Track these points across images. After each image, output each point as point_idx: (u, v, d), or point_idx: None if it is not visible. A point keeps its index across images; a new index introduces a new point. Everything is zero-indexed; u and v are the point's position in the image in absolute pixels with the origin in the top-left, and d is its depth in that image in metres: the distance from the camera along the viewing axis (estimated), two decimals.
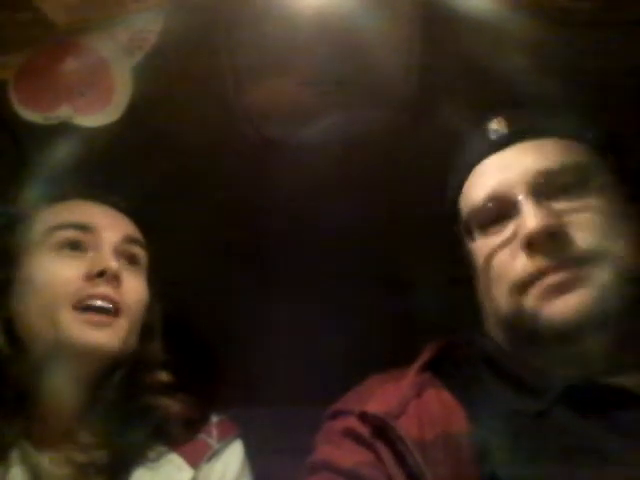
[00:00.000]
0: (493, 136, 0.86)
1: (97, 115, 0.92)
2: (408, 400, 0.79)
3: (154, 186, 1.03)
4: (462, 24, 0.90)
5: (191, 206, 1.12)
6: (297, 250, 1.18)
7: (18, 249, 0.89)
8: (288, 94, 1.00)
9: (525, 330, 0.78)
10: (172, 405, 0.89)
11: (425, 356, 0.85)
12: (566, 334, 0.74)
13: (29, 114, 0.93)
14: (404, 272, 1.16)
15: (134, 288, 0.89)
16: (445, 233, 1.06)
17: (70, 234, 0.88)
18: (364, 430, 0.78)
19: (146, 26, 0.89)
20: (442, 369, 0.84)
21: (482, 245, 0.84)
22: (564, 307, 0.74)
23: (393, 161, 1.09)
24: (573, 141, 0.83)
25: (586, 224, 0.77)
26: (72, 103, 0.92)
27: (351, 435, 0.79)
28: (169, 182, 1.07)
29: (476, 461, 0.71)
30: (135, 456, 0.85)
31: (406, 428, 0.75)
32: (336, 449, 0.79)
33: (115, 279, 0.86)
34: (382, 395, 0.81)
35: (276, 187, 1.09)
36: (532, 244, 0.77)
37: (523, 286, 0.78)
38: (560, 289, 0.75)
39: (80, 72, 0.92)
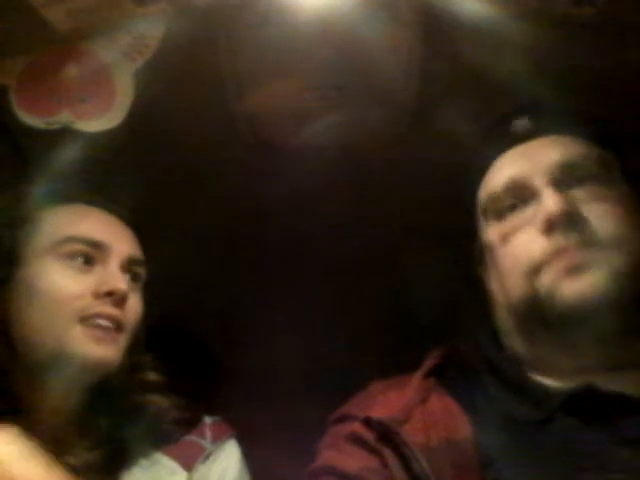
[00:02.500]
0: (518, 129, 0.87)
1: (98, 120, 0.92)
2: (413, 406, 0.79)
3: (154, 189, 1.03)
4: (463, 29, 0.90)
5: (192, 208, 1.13)
6: (297, 251, 1.18)
7: (21, 250, 0.88)
8: (289, 98, 1.00)
9: (537, 313, 0.79)
10: (162, 401, 0.90)
11: (429, 362, 0.86)
12: (579, 316, 0.75)
13: (30, 119, 0.92)
14: (404, 272, 1.17)
15: (135, 307, 0.90)
16: (445, 233, 1.08)
17: (82, 248, 0.88)
18: (369, 435, 0.79)
19: (148, 32, 0.89)
20: (446, 375, 0.85)
21: (498, 230, 0.84)
22: (579, 287, 0.75)
23: (393, 163, 1.09)
24: (593, 143, 0.85)
25: (604, 212, 0.79)
26: (73, 108, 0.92)
27: (356, 440, 0.79)
28: (170, 185, 1.07)
29: (480, 467, 0.72)
30: (128, 458, 0.86)
31: (411, 434, 0.76)
32: (341, 454, 0.80)
33: (122, 300, 0.87)
34: (387, 401, 0.82)
35: (276, 190, 1.09)
36: (551, 226, 0.78)
37: (539, 267, 0.78)
38: (576, 270, 0.76)
39: (81, 77, 0.92)
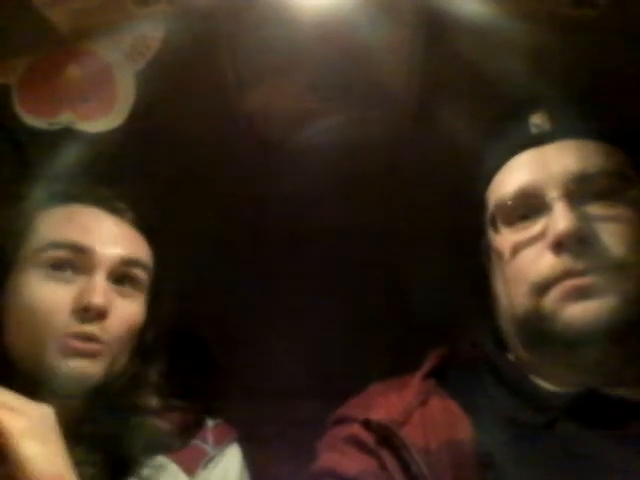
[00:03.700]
0: (534, 130, 0.85)
1: (100, 121, 0.92)
2: (413, 408, 0.79)
3: (154, 189, 1.03)
4: (465, 30, 0.90)
5: (191, 207, 1.13)
6: (297, 251, 1.18)
7: (15, 256, 0.85)
8: (289, 98, 1.00)
9: (540, 331, 0.78)
10: (162, 425, 0.88)
11: (429, 364, 0.86)
12: (581, 339, 0.75)
13: (32, 119, 0.92)
14: (405, 272, 1.17)
15: (124, 316, 0.85)
16: (446, 233, 1.08)
17: (63, 254, 0.84)
18: (368, 437, 0.79)
19: (149, 32, 0.89)
20: (446, 376, 0.85)
21: (507, 239, 0.83)
22: (583, 312, 0.74)
23: (394, 164, 1.09)
24: (612, 147, 0.82)
25: (617, 233, 0.77)
26: (75, 109, 0.92)
27: (355, 442, 0.79)
28: (170, 185, 1.07)
29: (480, 469, 0.72)
30: (128, 471, 0.84)
31: (411, 436, 0.76)
32: (340, 456, 0.80)
33: (101, 316, 0.82)
34: (386, 403, 0.82)
35: (277, 190, 1.10)
36: (560, 246, 0.76)
37: (545, 286, 0.77)
38: (582, 293, 0.75)
39: (83, 78, 0.91)
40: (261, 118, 1.03)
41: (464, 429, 0.76)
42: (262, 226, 1.16)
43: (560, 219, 0.76)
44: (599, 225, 0.77)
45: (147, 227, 0.92)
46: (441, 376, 0.85)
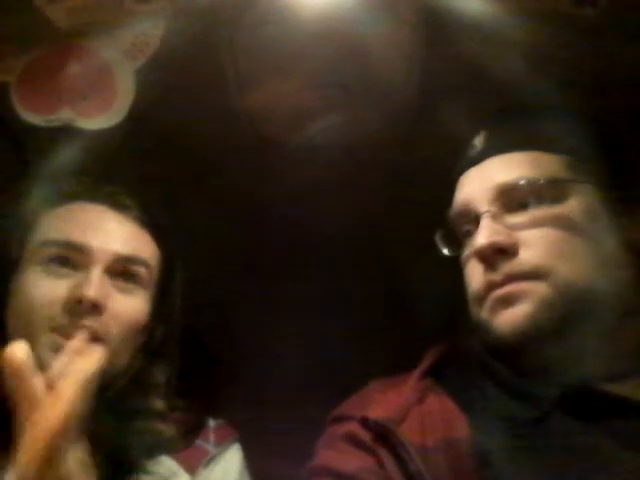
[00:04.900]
0: (472, 151, 0.88)
1: (99, 118, 0.92)
2: (410, 406, 0.79)
3: (154, 188, 1.03)
4: (464, 29, 0.90)
5: (191, 206, 1.13)
6: (297, 250, 1.18)
7: (19, 258, 0.86)
8: (290, 97, 1.00)
9: (486, 340, 0.81)
10: (166, 430, 0.87)
11: (426, 362, 0.86)
12: (515, 344, 0.77)
13: (31, 116, 0.93)
14: (405, 271, 1.17)
15: (123, 312, 0.84)
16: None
17: (58, 251, 0.84)
18: (366, 435, 0.78)
19: (149, 30, 0.89)
20: (443, 375, 0.85)
21: (463, 254, 0.86)
22: (507, 319, 0.78)
23: (393, 163, 1.09)
24: (550, 154, 0.83)
25: (538, 239, 0.78)
26: (74, 106, 0.92)
27: (352, 440, 0.79)
28: (170, 185, 1.07)
29: (477, 467, 0.72)
30: (131, 472, 0.83)
31: (408, 434, 0.76)
32: (337, 454, 0.80)
33: (95, 308, 0.81)
34: (384, 401, 0.81)
35: (277, 190, 1.10)
36: (481, 260, 0.80)
37: (479, 299, 0.81)
38: (505, 303, 0.78)
39: (82, 75, 0.92)
40: (261, 116, 1.03)
41: (461, 427, 0.76)
42: (262, 226, 1.16)
43: (479, 234, 0.80)
44: (522, 233, 0.79)
45: (154, 225, 0.91)
46: (439, 375, 0.85)
